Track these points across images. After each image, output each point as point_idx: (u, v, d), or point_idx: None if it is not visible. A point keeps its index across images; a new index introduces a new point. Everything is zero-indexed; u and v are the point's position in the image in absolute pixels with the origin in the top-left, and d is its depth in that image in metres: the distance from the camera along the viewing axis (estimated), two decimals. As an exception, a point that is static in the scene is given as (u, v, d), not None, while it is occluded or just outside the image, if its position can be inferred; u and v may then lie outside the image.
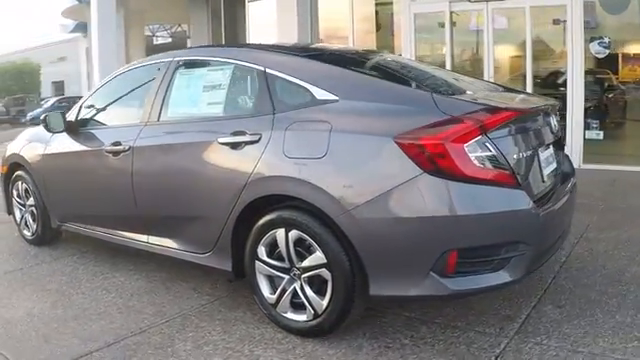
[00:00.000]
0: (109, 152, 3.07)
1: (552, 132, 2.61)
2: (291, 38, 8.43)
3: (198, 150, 2.64)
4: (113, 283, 3.17)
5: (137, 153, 2.93)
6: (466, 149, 2.04)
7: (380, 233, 2.12)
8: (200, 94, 2.83)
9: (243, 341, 2.42)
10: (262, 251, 2.45)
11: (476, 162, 2.06)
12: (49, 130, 3.38)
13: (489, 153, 2.09)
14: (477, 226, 2.07)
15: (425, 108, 2.16)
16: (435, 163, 2.04)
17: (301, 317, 2.39)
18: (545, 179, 2.49)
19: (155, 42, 18.64)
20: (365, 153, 2.18)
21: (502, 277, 2.13)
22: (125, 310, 2.79)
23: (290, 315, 2.42)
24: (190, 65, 2.95)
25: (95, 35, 8.45)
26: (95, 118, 3.37)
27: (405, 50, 7.62)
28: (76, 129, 3.37)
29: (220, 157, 2.56)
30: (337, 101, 2.31)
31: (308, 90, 2.39)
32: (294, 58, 2.62)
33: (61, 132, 3.37)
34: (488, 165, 2.09)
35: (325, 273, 2.26)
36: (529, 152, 2.32)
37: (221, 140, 2.53)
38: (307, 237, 2.28)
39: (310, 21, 8.90)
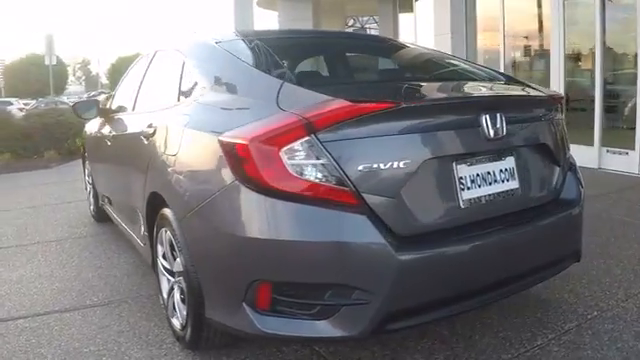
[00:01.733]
0: (107, 139, 3.29)
1: (498, 137, 1.84)
2: (445, 32, 8.11)
3: (133, 141, 2.64)
4: (110, 264, 3.37)
5: (115, 141, 3.08)
6: (282, 154, 1.58)
7: (203, 247, 1.83)
8: (154, 84, 2.84)
9: (133, 338, 2.34)
10: (158, 249, 2.34)
11: (294, 172, 1.58)
12: (79, 117, 3.76)
13: (316, 161, 1.58)
14: (288, 256, 1.60)
15: (265, 101, 1.75)
16: (242, 169, 1.64)
17: (177, 324, 2.21)
18: (464, 204, 1.79)
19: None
20: (200, 153, 1.89)
21: (325, 329, 1.60)
22: (85, 289, 2.95)
23: (174, 320, 2.25)
24: (159, 56, 2.97)
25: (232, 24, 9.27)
26: (116, 106, 3.63)
27: (553, 42, 6.44)
28: (106, 116, 3.64)
29: (139, 150, 2.52)
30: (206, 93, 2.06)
31: (197, 81, 2.18)
32: (206, 46, 2.41)
33: (92, 119, 3.73)
34: (312, 177, 1.58)
35: (182, 282, 2.05)
36: (412, 162, 1.67)
37: (143, 132, 2.49)
38: (174, 240, 2.09)
39: (465, 15, 8.33)
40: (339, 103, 1.62)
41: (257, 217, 1.63)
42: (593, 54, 5.89)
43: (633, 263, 2.97)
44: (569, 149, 2.24)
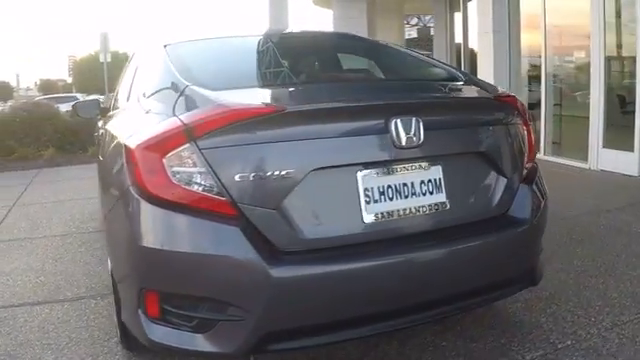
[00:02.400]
0: (97, 138, 3.38)
1: (414, 144, 1.66)
2: (488, 31, 7.84)
3: (98, 142, 2.70)
4: (99, 260, 3.39)
5: (97, 140, 3.15)
6: (165, 161, 1.53)
7: (113, 250, 1.85)
8: (122, 86, 2.88)
9: (84, 334, 2.38)
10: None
11: (175, 180, 1.52)
12: (78, 116, 3.87)
13: (195, 169, 1.51)
14: (167, 266, 1.56)
15: (167, 105, 1.72)
16: (133, 175, 1.62)
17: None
18: (369, 219, 1.63)
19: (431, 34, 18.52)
20: (114, 158, 1.89)
21: (203, 344, 1.56)
22: (65, 283, 3.03)
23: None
24: (134, 58, 2.99)
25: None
26: (113, 105, 3.72)
27: (593, 42, 5.94)
28: (104, 115, 3.73)
29: (98, 151, 2.56)
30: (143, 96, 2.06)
31: (138, 84, 2.21)
32: (153, 49, 2.38)
33: (93, 118, 3.83)
34: (191, 186, 1.52)
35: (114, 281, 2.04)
36: (296, 172, 1.55)
37: (99, 135, 2.55)
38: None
39: (508, 13, 7.96)
40: (219, 108, 1.56)
41: (142, 224, 1.60)
42: (634, 55, 5.38)
43: (635, 285, 2.66)
44: (529, 158, 2.01)
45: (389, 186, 1.66)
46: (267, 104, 1.61)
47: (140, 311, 1.63)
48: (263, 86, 2.02)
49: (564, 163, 6.16)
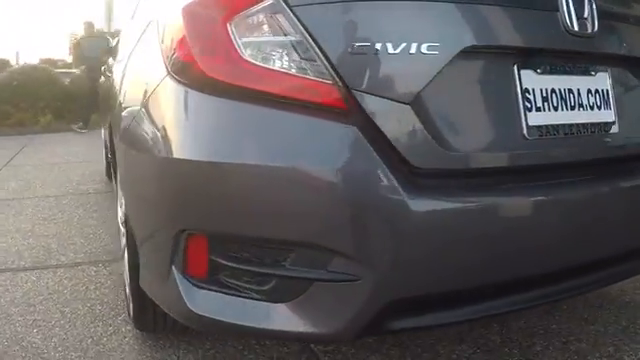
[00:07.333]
0: None
1: (588, 33, 1.12)
2: None
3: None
4: (100, 222, 2.92)
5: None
6: (231, 28, 0.94)
7: (132, 179, 1.26)
8: None
9: (83, 308, 1.84)
10: (119, 196, 1.85)
11: (247, 56, 0.94)
12: (84, 56, 3.36)
13: (282, 38, 0.93)
14: (227, 192, 0.95)
15: None
16: (178, 54, 1.02)
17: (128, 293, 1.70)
18: (531, 134, 1.08)
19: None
20: (142, 42, 1.33)
21: (282, 320, 0.95)
22: (58, 247, 2.50)
23: (127, 289, 1.73)
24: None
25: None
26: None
27: None
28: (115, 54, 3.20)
29: None
30: None
31: None
32: None
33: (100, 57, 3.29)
34: (275, 64, 0.94)
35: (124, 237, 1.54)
36: (442, 49, 0.97)
37: None
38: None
39: None
40: None
41: (189, 128, 1.00)
42: None
43: None
44: None
45: (553, 90, 1.12)
46: None
47: (175, 268, 1.04)
48: None
49: None
